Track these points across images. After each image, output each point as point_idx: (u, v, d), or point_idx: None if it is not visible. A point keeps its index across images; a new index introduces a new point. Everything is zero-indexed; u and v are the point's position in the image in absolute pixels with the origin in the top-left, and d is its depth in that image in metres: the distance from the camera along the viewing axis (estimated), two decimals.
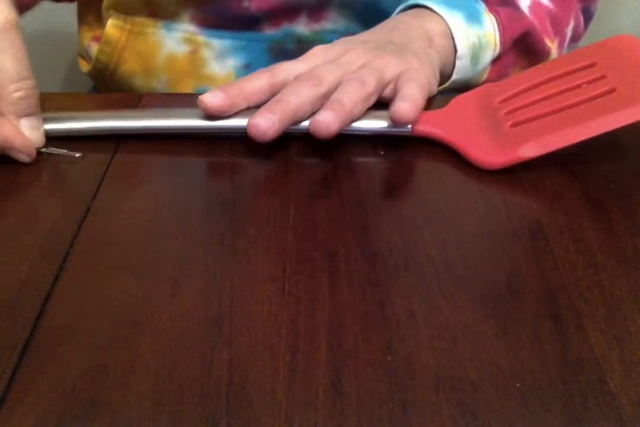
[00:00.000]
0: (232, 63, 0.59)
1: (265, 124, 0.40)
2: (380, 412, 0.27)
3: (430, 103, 0.47)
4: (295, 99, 0.41)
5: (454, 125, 0.44)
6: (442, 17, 0.50)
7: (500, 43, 0.53)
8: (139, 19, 0.58)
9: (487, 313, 0.32)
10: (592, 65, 0.43)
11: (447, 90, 0.51)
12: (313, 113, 0.42)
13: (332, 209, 0.38)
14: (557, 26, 0.58)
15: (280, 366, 0.29)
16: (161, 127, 0.44)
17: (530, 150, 0.40)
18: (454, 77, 0.51)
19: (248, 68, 0.58)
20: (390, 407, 0.28)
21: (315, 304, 0.32)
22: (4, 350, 0.30)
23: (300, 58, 0.46)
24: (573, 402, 0.28)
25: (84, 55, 0.66)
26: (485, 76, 0.54)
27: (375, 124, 0.43)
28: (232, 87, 0.43)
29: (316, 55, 0.46)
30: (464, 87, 0.51)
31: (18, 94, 0.40)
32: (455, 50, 0.50)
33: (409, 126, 0.43)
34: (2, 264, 0.35)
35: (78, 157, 0.42)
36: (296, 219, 0.37)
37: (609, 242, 0.36)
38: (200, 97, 0.42)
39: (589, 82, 0.42)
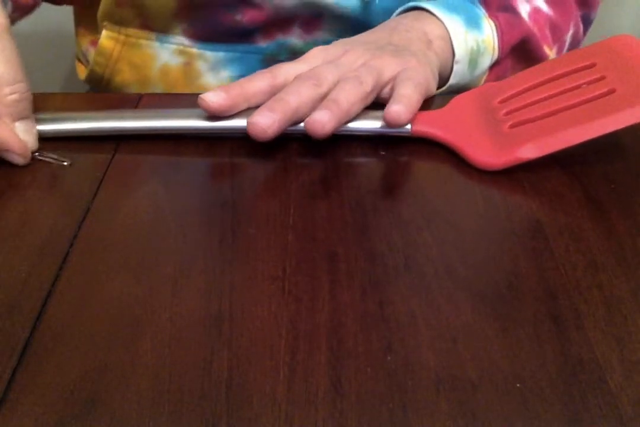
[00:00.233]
0: (226, 74, 0.59)
1: (266, 122, 0.40)
2: (380, 412, 0.27)
3: (430, 103, 0.47)
4: (295, 99, 0.41)
5: (453, 126, 0.44)
6: (441, 21, 0.50)
7: (499, 49, 0.52)
8: (133, 31, 0.58)
9: (487, 313, 0.32)
10: (592, 65, 0.43)
11: (445, 92, 0.51)
12: None
13: (332, 209, 0.38)
14: (557, 33, 0.58)
15: (280, 366, 0.29)
16: (161, 128, 0.44)
17: (529, 151, 0.40)
18: (451, 81, 0.51)
19: None
20: (390, 407, 0.28)
21: (315, 304, 0.32)
22: (4, 350, 0.30)
23: (300, 59, 0.46)
24: (573, 402, 0.28)
25: (82, 58, 0.66)
26: (483, 81, 0.54)
27: (375, 124, 0.43)
28: (233, 87, 0.43)
29: (316, 56, 0.46)
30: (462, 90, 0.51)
31: (13, 97, 0.40)
32: (454, 55, 0.50)
33: (408, 126, 0.43)
34: (2, 264, 0.35)
35: (67, 164, 0.42)
36: (296, 219, 0.37)
37: (609, 242, 0.36)
38: (201, 96, 0.42)
39: (589, 83, 0.42)
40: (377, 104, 0.44)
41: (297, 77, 0.43)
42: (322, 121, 0.40)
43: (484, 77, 0.54)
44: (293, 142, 0.44)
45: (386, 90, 0.45)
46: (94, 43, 0.62)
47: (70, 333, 0.31)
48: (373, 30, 0.51)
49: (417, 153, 0.43)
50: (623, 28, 1.03)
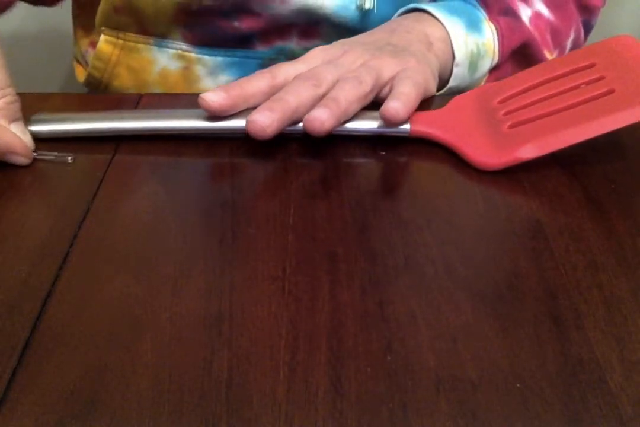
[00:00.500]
0: (225, 79, 0.59)
1: (265, 121, 0.40)
2: (380, 412, 0.27)
3: (429, 103, 0.47)
4: (295, 99, 0.41)
5: (452, 126, 0.44)
6: (442, 23, 0.50)
7: (499, 52, 0.52)
8: (131, 36, 0.58)
9: (487, 313, 0.32)
10: (592, 65, 0.43)
11: (444, 94, 0.51)
12: None
13: (332, 209, 0.38)
14: (557, 38, 0.58)
15: (280, 366, 0.29)
16: (161, 128, 0.44)
17: (529, 151, 0.40)
18: (451, 83, 0.51)
19: None
20: (390, 407, 0.28)
21: (315, 304, 0.32)
22: (4, 350, 0.30)
23: (299, 59, 0.46)
24: (573, 402, 0.28)
25: (80, 60, 0.66)
26: (482, 85, 0.54)
27: (374, 124, 0.43)
28: (233, 87, 0.43)
29: (315, 56, 0.46)
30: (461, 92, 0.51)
31: (5, 99, 0.41)
32: (454, 57, 0.50)
33: (408, 127, 0.43)
34: (2, 264, 0.35)
35: (70, 161, 0.42)
36: (296, 219, 0.37)
37: (609, 242, 0.36)
38: (201, 95, 0.42)
39: (588, 83, 0.42)
40: (377, 105, 0.44)
41: (297, 77, 0.43)
42: (321, 119, 0.40)
43: (484, 81, 0.54)
44: (293, 142, 0.44)
45: (385, 90, 0.45)
46: (93, 44, 0.62)
47: (70, 333, 0.31)
48: (373, 31, 0.51)
49: (417, 153, 0.43)
50: (623, 28, 1.03)
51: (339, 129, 0.43)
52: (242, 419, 0.27)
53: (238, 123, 0.43)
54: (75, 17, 0.66)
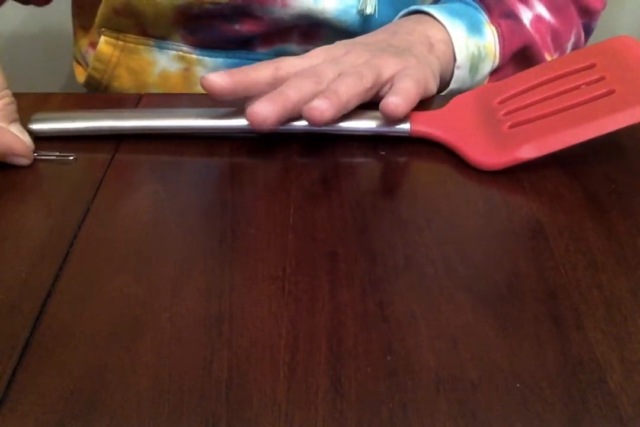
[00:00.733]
0: None
1: (265, 112, 0.40)
2: (380, 412, 0.27)
3: (430, 103, 0.47)
4: (296, 93, 0.41)
5: (452, 126, 0.44)
6: (443, 25, 0.50)
7: (500, 55, 0.52)
8: (131, 37, 0.58)
9: (487, 313, 0.32)
10: (592, 66, 0.43)
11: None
12: None
13: (332, 209, 0.38)
14: (558, 41, 0.58)
15: (280, 366, 0.29)
16: (161, 127, 0.44)
17: (528, 151, 0.40)
18: (452, 86, 0.51)
19: None
20: (390, 407, 0.28)
21: (315, 304, 0.32)
22: (4, 350, 0.30)
23: (303, 56, 0.46)
24: (573, 402, 0.28)
25: (80, 60, 0.66)
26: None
27: (374, 124, 0.43)
28: (237, 72, 0.42)
29: (317, 55, 0.46)
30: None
31: (3, 101, 0.41)
32: (455, 60, 0.50)
33: (408, 127, 0.43)
34: (2, 264, 0.35)
35: (72, 159, 0.42)
36: (296, 219, 0.37)
37: (609, 242, 0.36)
38: (204, 75, 0.41)
39: (588, 84, 0.42)
40: (377, 105, 0.44)
41: (299, 73, 0.43)
42: (321, 108, 0.40)
43: (485, 83, 0.54)
44: (293, 142, 0.44)
45: (385, 89, 0.45)
46: (93, 45, 0.62)
47: (70, 333, 0.31)
48: (374, 32, 0.51)
49: (417, 153, 0.43)
50: (623, 28, 1.03)
51: (339, 129, 0.43)
52: (242, 419, 0.27)
53: (238, 122, 0.43)
54: (75, 16, 0.66)
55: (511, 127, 0.42)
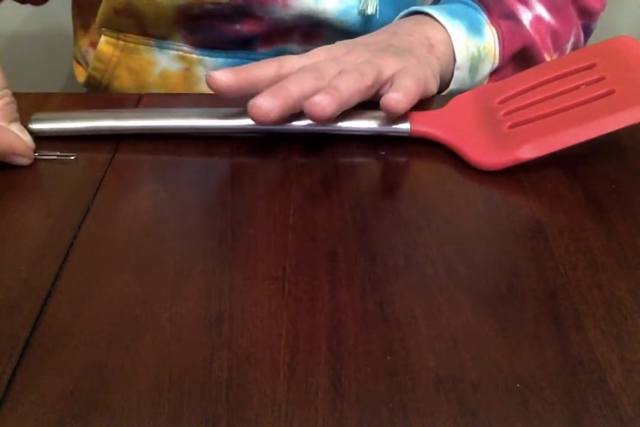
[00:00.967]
0: None
1: (268, 106, 0.40)
2: (380, 412, 0.27)
3: (430, 103, 0.47)
4: (297, 89, 0.41)
5: (452, 126, 0.44)
6: (443, 26, 0.50)
7: (500, 56, 0.52)
8: (132, 37, 0.58)
9: (487, 313, 0.32)
10: (592, 66, 0.43)
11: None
12: None
13: (332, 209, 0.38)
14: (557, 41, 0.58)
15: (280, 366, 0.29)
16: (161, 127, 0.44)
17: (528, 151, 0.40)
18: (452, 86, 0.51)
19: None
20: (390, 407, 0.28)
21: (315, 304, 0.32)
22: (4, 350, 0.30)
23: (304, 55, 0.46)
24: (573, 402, 0.28)
25: (80, 60, 0.66)
26: None
27: (374, 124, 0.43)
28: (241, 70, 0.42)
29: (319, 54, 0.46)
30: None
31: (3, 100, 0.41)
32: (455, 60, 0.50)
33: (408, 127, 0.43)
34: (2, 264, 0.35)
35: (73, 159, 0.42)
36: (296, 219, 0.37)
37: (609, 242, 0.36)
38: (209, 73, 0.41)
39: (588, 84, 0.42)
40: (377, 105, 0.44)
41: (300, 69, 0.43)
42: (322, 104, 0.40)
43: (485, 83, 0.54)
44: (293, 142, 0.44)
45: (386, 88, 0.45)
46: (94, 45, 0.62)
47: (70, 333, 0.31)
48: (375, 33, 0.51)
49: (417, 153, 0.43)
50: (623, 28, 1.03)
51: (339, 129, 0.43)
52: (242, 419, 0.27)
53: (238, 122, 0.43)
54: (75, 16, 0.66)
55: (511, 127, 0.42)
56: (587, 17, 0.61)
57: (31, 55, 0.97)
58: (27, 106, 0.44)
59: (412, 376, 0.29)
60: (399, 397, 0.28)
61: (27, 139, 0.42)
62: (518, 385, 0.28)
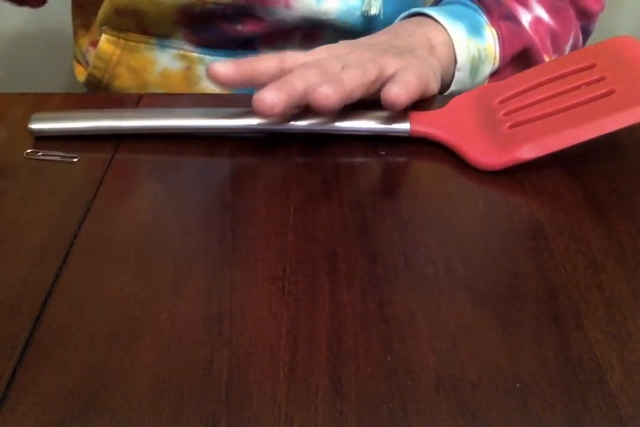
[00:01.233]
0: None
1: (273, 99, 0.40)
2: (380, 412, 0.27)
3: (430, 103, 0.47)
4: (302, 83, 0.41)
5: (452, 126, 0.44)
6: (444, 28, 0.50)
7: (500, 57, 0.53)
8: (133, 35, 0.58)
9: (487, 313, 0.32)
10: (592, 66, 0.43)
11: None
12: None
13: (332, 209, 0.38)
14: (557, 43, 0.58)
15: (280, 366, 0.29)
16: (161, 127, 0.44)
17: (528, 151, 0.40)
18: (452, 88, 0.51)
19: None
20: (390, 407, 0.28)
21: (315, 304, 0.32)
22: (4, 350, 0.30)
23: (306, 52, 0.46)
24: (573, 402, 0.28)
25: (80, 60, 0.66)
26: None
27: (374, 124, 0.43)
28: (243, 62, 0.42)
29: (321, 52, 0.47)
30: None
31: None
32: (455, 62, 0.50)
33: (408, 127, 0.43)
34: (2, 264, 0.35)
35: (75, 161, 0.42)
36: (296, 219, 0.37)
37: (609, 242, 0.36)
38: (211, 65, 0.41)
39: (588, 84, 0.42)
40: (377, 105, 0.44)
41: (304, 65, 0.43)
42: (326, 93, 0.39)
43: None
44: (293, 141, 0.44)
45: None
46: (94, 44, 0.62)
47: (70, 333, 0.31)
48: (376, 34, 0.51)
49: (417, 153, 0.43)
50: (623, 28, 1.03)
51: (339, 129, 0.43)
52: (242, 419, 0.27)
53: (238, 122, 0.43)
54: (75, 16, 0.66)
55: (511, 127, 0.42)
56: (586, 18, 0.61)
57: (31, 55, 0.97)
58: (27, 106, 0.44)
59: (412, 376, 0.29)
60: (399, 397, 0.28)
61: None
62: (518, 385, 0.28)
